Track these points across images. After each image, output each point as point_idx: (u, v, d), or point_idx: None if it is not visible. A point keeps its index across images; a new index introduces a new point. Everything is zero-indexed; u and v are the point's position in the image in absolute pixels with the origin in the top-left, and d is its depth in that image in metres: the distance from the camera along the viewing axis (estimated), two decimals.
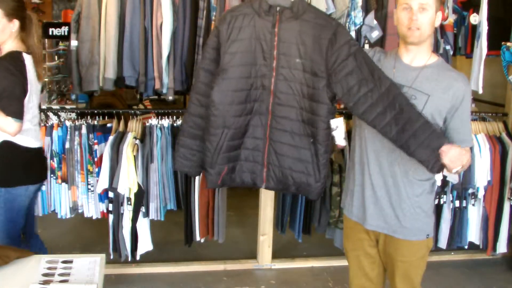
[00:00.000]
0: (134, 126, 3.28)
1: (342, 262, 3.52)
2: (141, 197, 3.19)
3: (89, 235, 3.96)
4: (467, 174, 3.52)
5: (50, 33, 6.13)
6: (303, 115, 2.11)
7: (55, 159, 3.24)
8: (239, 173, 2.25)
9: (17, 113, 2.32)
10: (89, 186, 3.28)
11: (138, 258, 3.30)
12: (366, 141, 2.08)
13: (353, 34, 3.26)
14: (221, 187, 2.51)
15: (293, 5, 2.03)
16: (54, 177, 3.27)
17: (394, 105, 1.91)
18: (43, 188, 3.26)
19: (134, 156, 3.10)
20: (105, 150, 3.15)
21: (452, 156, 1.87)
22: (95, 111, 3.44)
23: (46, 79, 7.38)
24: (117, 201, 3.18)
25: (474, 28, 3.74)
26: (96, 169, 3.25)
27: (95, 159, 3.26)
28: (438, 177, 3.41)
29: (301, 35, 2.03)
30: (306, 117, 2.11)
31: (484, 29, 3.43)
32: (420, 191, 2.07)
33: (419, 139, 1.88)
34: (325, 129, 2.10)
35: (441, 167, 1.92)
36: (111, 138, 3.19)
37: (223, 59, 2.09)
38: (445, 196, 3.58)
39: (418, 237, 2.09)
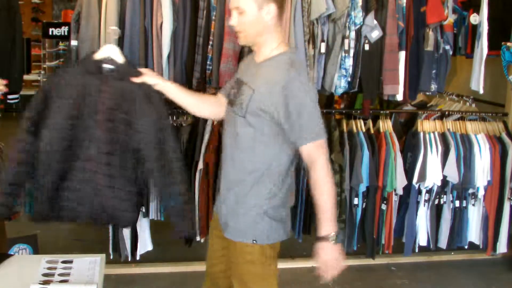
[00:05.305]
0: None
1: (343, 262, 3.52)
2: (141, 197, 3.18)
3: (89, 235, 3.96)
4: (467, 174, 3.53)
5: (50, 33, 6.12)
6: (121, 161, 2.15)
7: None
8: None
9: None
10: None
11: (138, 258, 3.30)
12: None
13: (353, 34, 3.26)
14: None
15: (119, 68, 2.12)
16: None
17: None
18: None
19: None
20: None
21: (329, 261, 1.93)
22: None
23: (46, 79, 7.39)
24: None
25: (474, 28, 3.74)
26: None
27: None
28: (438, 178, 3.45)
29: (124, 93, 2.11)
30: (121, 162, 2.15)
31: (484, 29, 3.43)
32: (247, 190, 1.96)
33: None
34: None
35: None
36: None
37: (51, 113, 2.08)
38: (445, 196, 3.58)
39: (242, 239, 1.97)
